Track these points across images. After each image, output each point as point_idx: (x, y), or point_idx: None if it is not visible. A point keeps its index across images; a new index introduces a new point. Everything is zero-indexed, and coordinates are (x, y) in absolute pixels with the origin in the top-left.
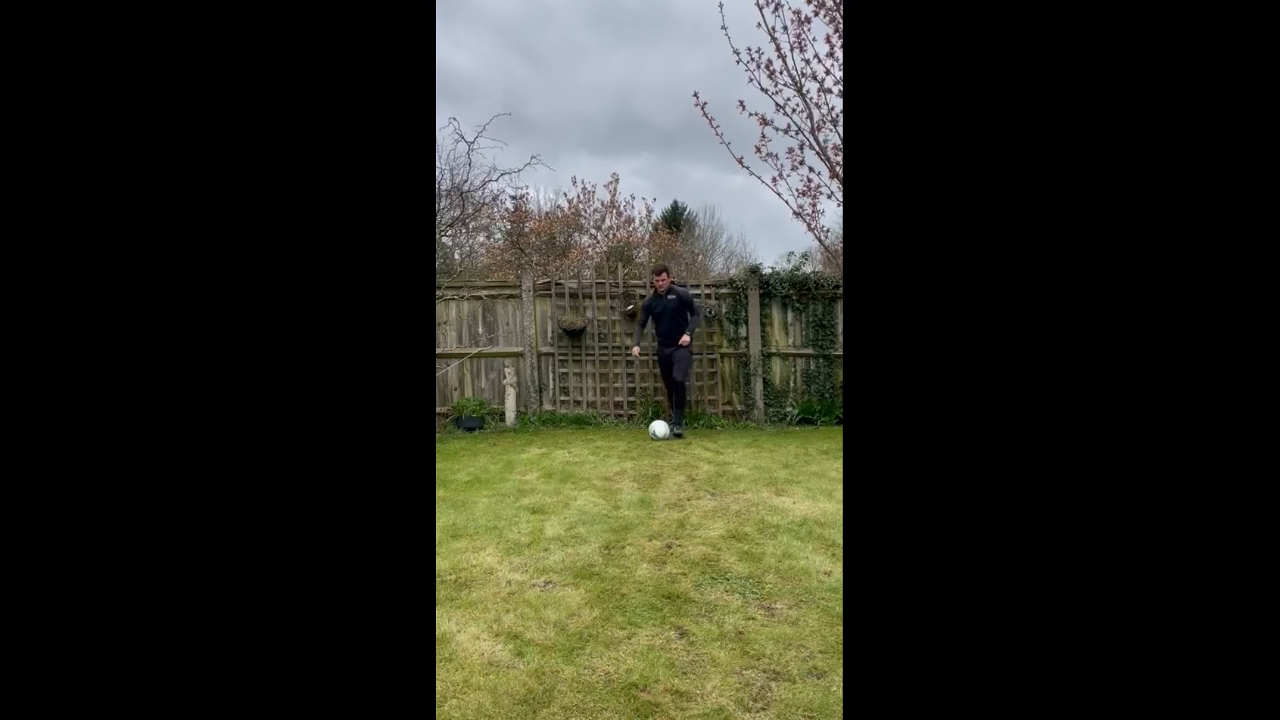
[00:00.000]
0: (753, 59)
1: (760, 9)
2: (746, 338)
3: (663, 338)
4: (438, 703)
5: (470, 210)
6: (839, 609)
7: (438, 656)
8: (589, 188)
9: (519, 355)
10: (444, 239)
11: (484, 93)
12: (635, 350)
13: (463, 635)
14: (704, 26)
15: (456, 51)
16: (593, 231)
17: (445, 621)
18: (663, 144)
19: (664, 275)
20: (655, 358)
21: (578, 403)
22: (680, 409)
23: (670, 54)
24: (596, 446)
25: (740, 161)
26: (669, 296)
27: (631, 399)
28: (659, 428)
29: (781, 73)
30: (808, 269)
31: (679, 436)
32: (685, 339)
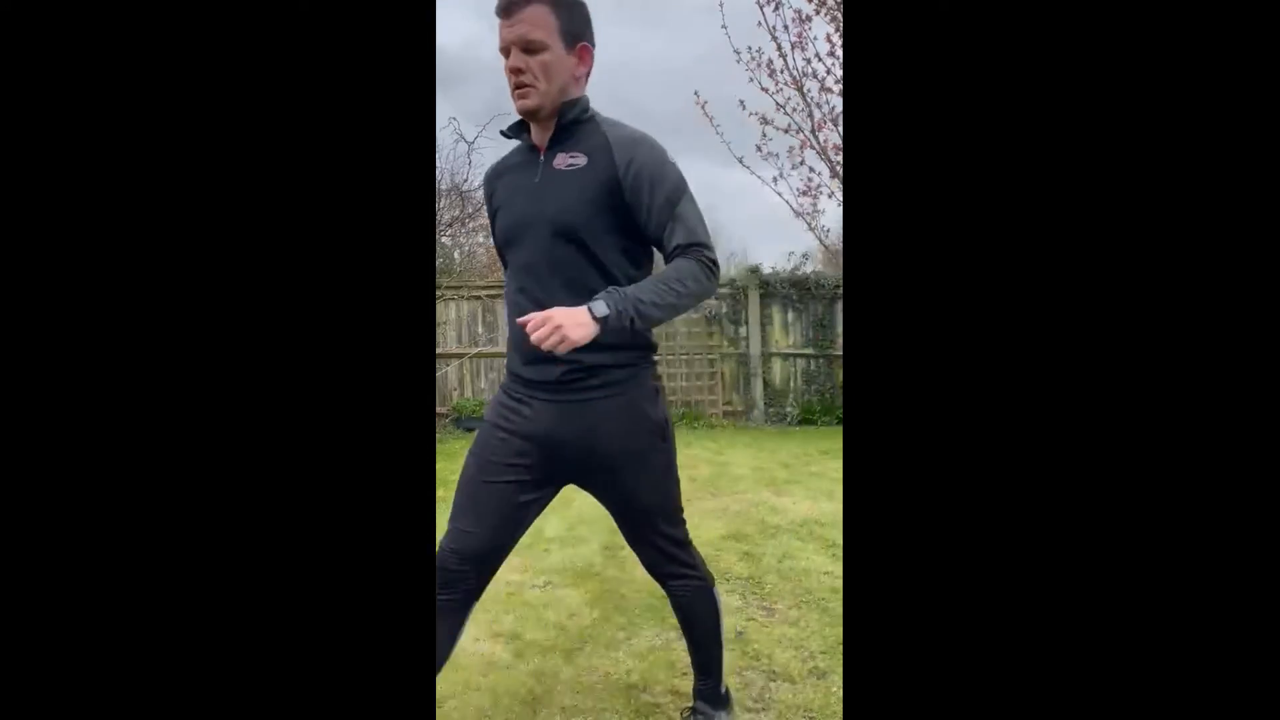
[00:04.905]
0: (753, 58)
1: (761, 7)
2: (746, 338)
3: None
4: (438, 703)
5: (470, 210)
6: (839, 609)
7: None
8: None
9: None
10: (444, 239)
11: (474, 79)
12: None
13: (462, 635)
14: (702, 13)
15: (443, 35)
16: None
17: None
18: (659, 137)
19: (584, 50)
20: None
21: None
22: (718, 671)
23: (667, 39)
24: None
25: (741, 161)
26: (571, 156)
27: None
28: None
29: (782, 72)
30: (808, 269)
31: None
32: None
